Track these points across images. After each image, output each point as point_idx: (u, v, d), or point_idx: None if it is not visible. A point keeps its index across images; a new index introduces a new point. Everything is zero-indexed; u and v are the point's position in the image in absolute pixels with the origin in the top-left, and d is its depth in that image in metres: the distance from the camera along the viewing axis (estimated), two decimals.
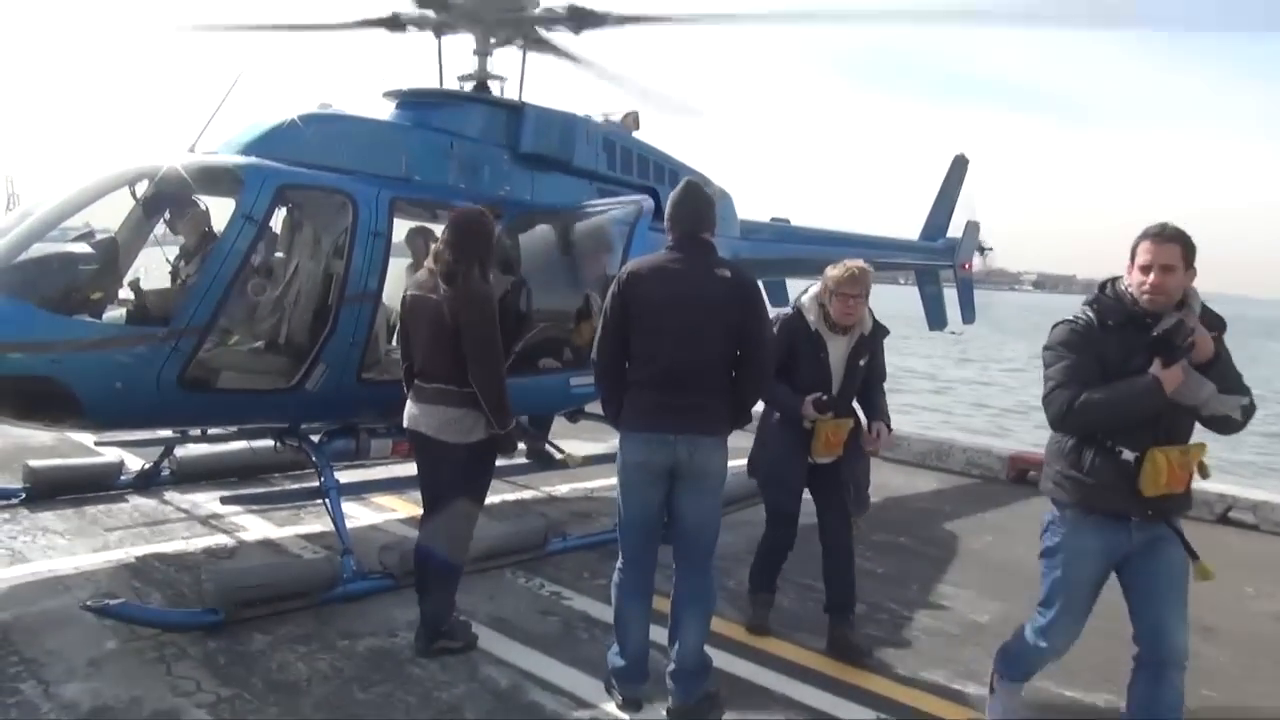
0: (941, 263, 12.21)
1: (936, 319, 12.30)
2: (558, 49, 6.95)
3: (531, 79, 7.10)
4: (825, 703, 4.16)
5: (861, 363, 4.67)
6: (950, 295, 12.41)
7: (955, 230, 12.44)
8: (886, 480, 8.73)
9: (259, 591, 4.66)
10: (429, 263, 4.47)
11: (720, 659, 4.32)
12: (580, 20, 6.66)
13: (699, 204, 3.92)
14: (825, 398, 4.52)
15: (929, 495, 8.36)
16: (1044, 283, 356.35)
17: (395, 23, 6.61)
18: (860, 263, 4.59)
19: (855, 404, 4.83)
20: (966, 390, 26.76)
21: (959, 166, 12.46)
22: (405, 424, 4.48)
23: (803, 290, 4.77)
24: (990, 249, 12.88)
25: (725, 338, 3.78)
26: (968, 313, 12.41)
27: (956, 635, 5.07)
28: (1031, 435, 18.95)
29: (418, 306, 4.42)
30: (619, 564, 3.98)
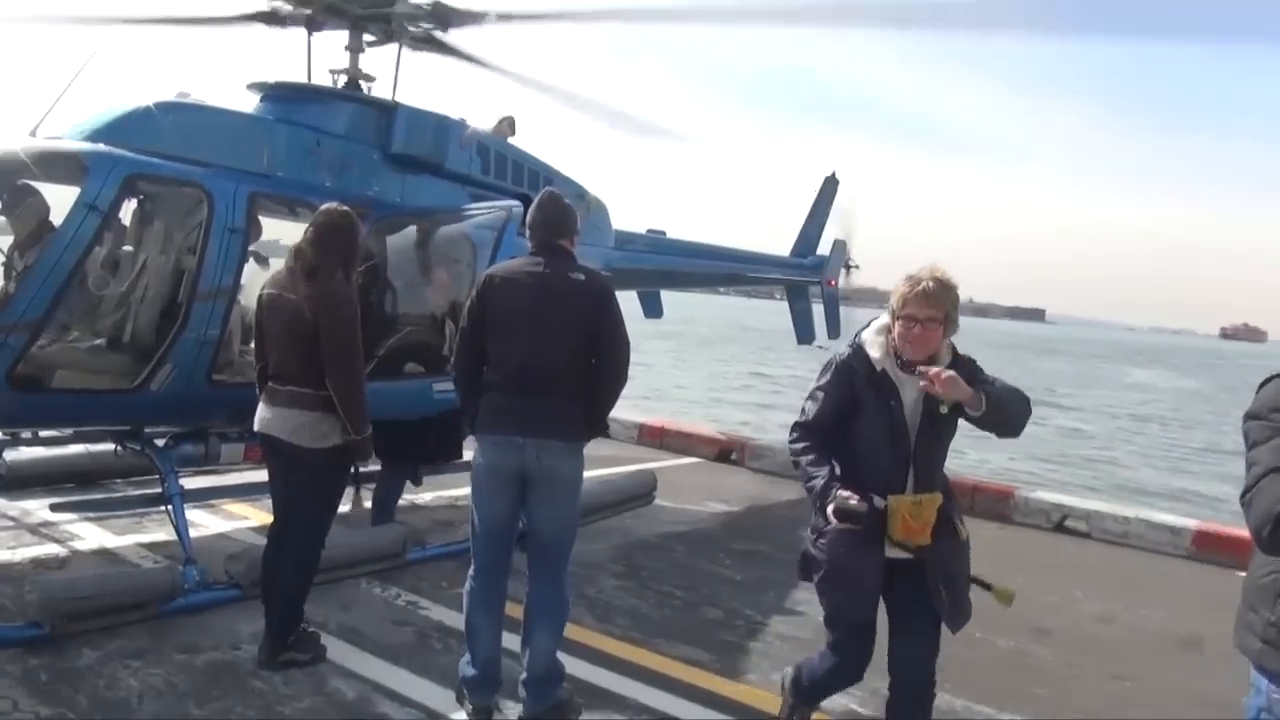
0: (810, 279, 12.57)
1: (805, 333, 12.65)
2: (451, 49, 6.83)
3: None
4: (679, 708, 4.21)
5: (944, 409, 3.24)
6: (819, 311, 12.81)
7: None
8: (751, 489, 8.95)
9: (89, 603, 4.39)
10: (288, 260, 4.33)
11: (576, 667, 4.33)
12: (444, 18, 6.58)
13: (557, 212, 3.98)
14: (856, 501, 3.17)
15: (789, 504, 8.57)
16: None
17: (274, 17, 6.38)
18: (939, 271, 3.26)
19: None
20: None
21: (830, 186, 12.87)
22: (256, 427, 4.32)
23: (864, 325, 3.51)
24: (857, 266, 13.33)
25: (577, 340, 3.81)
26: (833, 328, 12.80)
27: (808, 640, 5.21)
28: None
29: (274, 305, 4.27)
30: (471, 571, 3.94)
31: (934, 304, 3.21)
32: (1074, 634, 5.71)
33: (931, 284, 3.20)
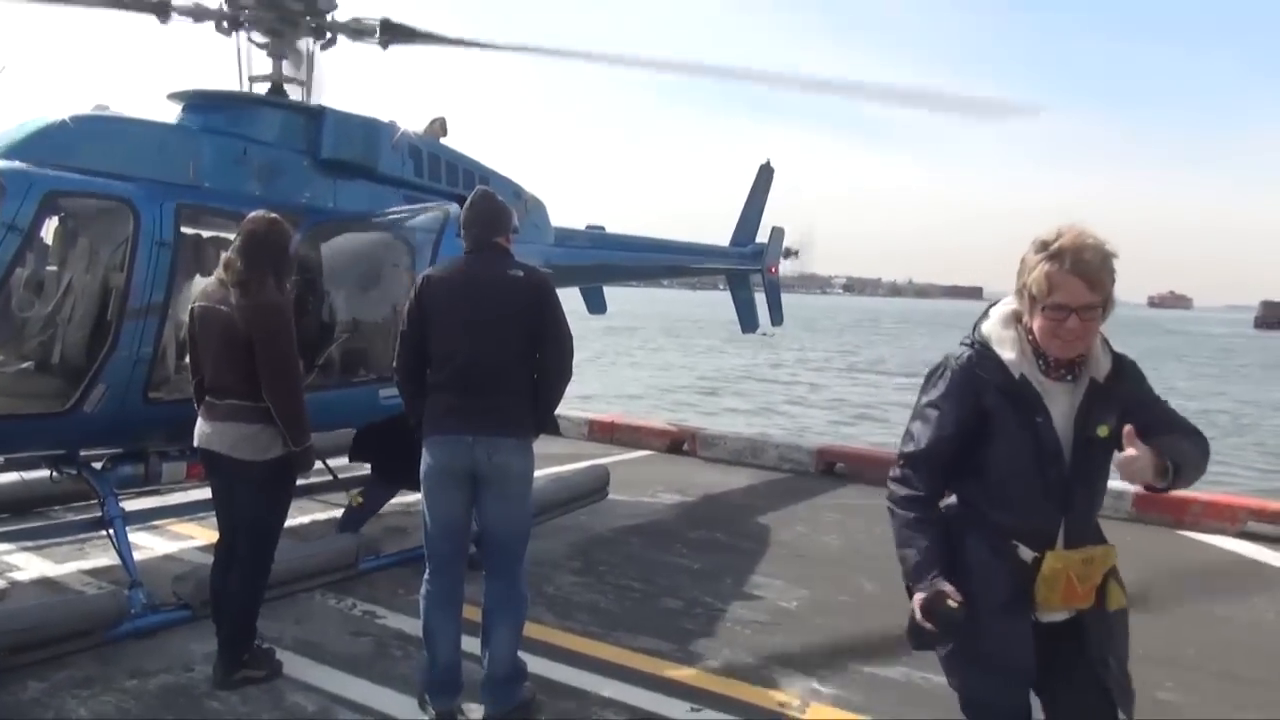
0: (751, 267, 12.66)
1: (749, 322, 12.74)
2: (404, 31, 6.79)
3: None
4: (643, 700, 4.21)
5: (1103, 430, 2.40)
6: (760, 299, 12.91)
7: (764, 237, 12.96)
8: (704, 478, 8.99)
9: (30, 635, 4.24)
10: (219, 272, 4.25)
11: (538, 665, 4.32)
12: (391, 35, 6.55)
13: (491, 210, 3.98)
14: (956, 604, 2.37)
15: (743, 491, 8.64)
16: (853, 286, 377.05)
17: (162, 9, 6.20)
18: (1090, 235, 2.37)
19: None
20: (781, 389, 27.92)
21: (765, 174, 12.97)
22: (196, 442, 4.23)
23: (983, 313, 2.61)
24: (796, 253, 13.47)
25: (521, 337, 3.81)
26: (776, 315, 12.93)
27: (765, 623, 5.26)
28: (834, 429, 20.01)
29: (208, 318, 4.19)
30: (426, 574, 3.90)
31: (1095, 284, 2.34)
32: None
33: (1090, 255, 2.33)
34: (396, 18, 6.72)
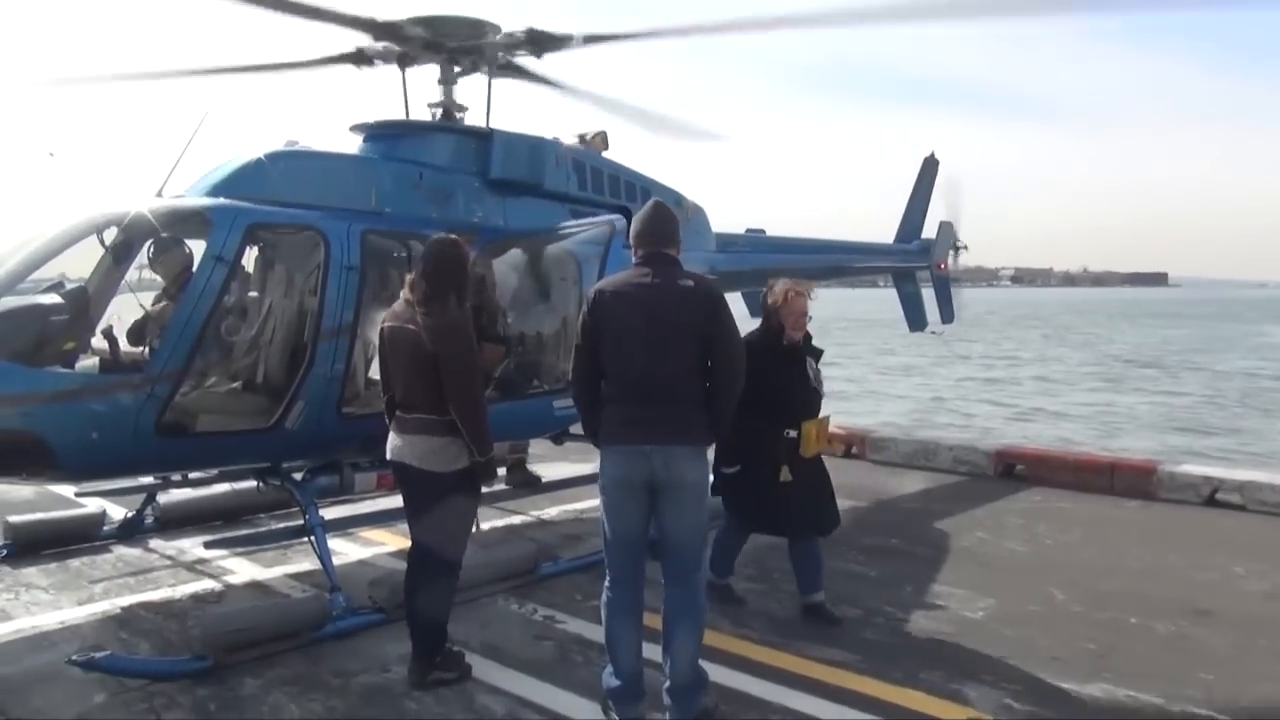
0: (917, 264, 12.26)
1: (916, 320, 12.32)
2: (532, 74, 6.97)
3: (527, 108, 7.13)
4: (824, 710, 4.13)
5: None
6: (929, 295, 12.48)
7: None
8: (873, 483, 8.75)
9: (246, 635, 4.60)
10: (405, 293, 4.46)
11: (718, 673, 4.31)
12: (540, 44, 6.69)
13: (661, 220, 4.01)
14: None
15: (917, 495, 8.36)
16: (1022, 277, 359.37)
17: (361, 58, 6.61)
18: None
19: None
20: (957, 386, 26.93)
21: (929, 167, 12.54)
22: (388, 455, 4.46)
23: None
24: (965, 247, 12.94)
25: (692, 346, 3.82)
26: (946, 312, 12.45)
27: (951, 634, 5.06)
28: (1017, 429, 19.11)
29: (396, 337, 4.41)
30: (606, 583, 3.97)
31: None
32: (1239, 614, 5.37)
33: None
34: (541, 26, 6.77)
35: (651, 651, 4.02)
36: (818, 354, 5.36)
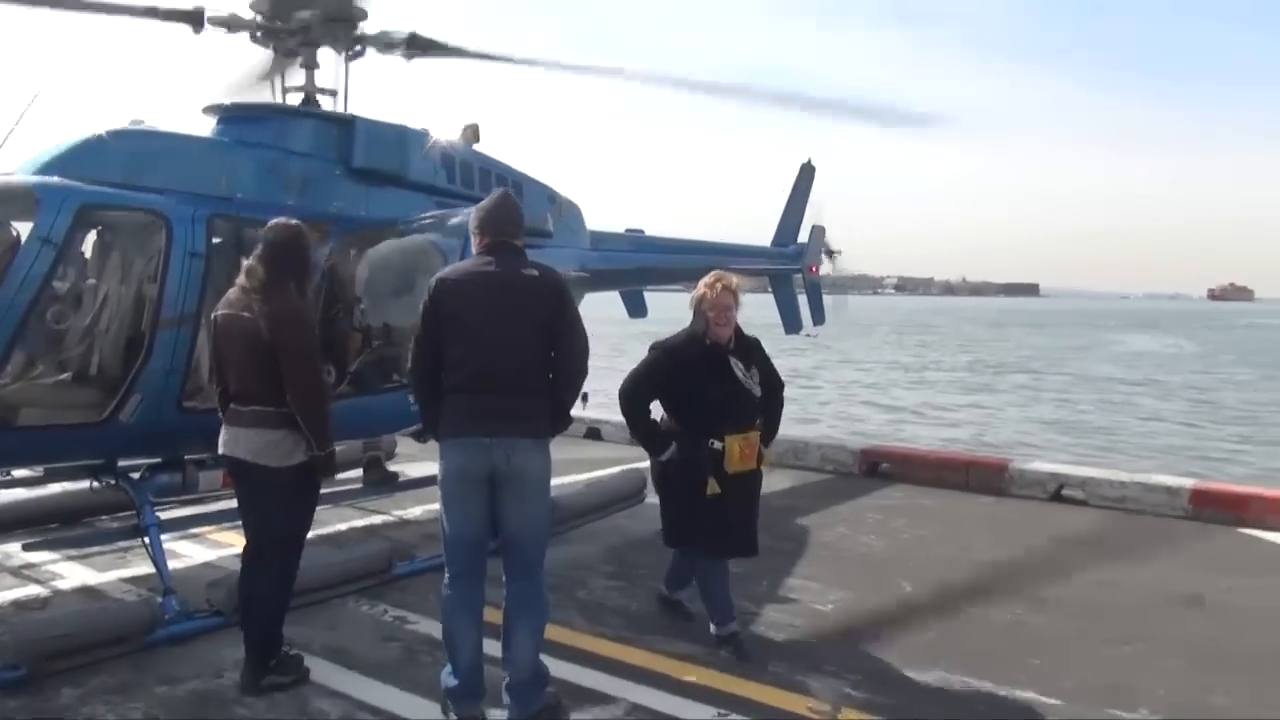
0: (792, 267, 12.50)
1: (792, 323, 12.55)
2: (428, 45, 6.84)
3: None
4: (670, 705, 4.13)
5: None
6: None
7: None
8: None
9: (66, 641, 4.30)
10: (241, 279, 4.27)
11: (567, 669, 4.29)
12: (417, 48, 6.59)
13: (504, 209, 3.94)
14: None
15: (784, 493, 8.50)
16: (905, 285, 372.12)
17: (197, 19, 6.28)
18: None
19: None
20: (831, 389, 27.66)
21: (806, 173, 12.80)
22: (221, 449, 4.26)
23: None
24: (838, 252, 13.27)
25: (536, 337, 3.76)
26: (817, 315, 12.72)
27: (801, 626, 5.15)
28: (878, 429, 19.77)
29: (230, 326, 4.21)
30: (445, 580, 3.86)
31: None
32: (1074, 601, 5.64)
33: None
34: (424, 31, 6.74)
35: (493, 649, 3.94)
36: (752, 352, 4.82)
